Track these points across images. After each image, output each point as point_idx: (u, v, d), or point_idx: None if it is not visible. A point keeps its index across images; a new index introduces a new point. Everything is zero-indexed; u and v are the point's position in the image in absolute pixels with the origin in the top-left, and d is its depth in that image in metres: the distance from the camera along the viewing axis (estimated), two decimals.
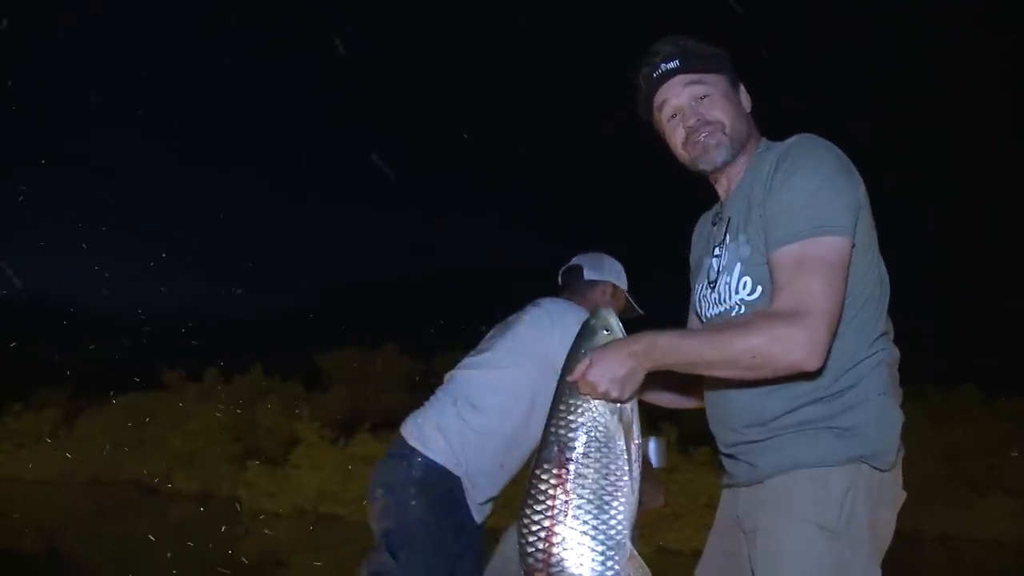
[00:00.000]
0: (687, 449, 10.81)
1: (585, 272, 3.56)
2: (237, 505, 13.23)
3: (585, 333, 2.10)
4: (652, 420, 10.88)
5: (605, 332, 2.08)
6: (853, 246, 2.01)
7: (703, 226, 2.43)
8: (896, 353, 2.21)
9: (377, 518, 3.13)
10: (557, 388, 2.05)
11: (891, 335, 2.22)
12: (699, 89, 2.16)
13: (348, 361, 20.26)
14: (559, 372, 2.10)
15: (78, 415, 16.73)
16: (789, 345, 1.91)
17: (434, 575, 3.08)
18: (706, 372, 2.04)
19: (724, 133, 2.15)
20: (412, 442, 3.17)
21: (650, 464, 3.34)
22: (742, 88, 2.23)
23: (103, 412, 16.43)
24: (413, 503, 3.11)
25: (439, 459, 3.15)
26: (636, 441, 1.99)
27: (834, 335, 1.97)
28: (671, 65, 2.16)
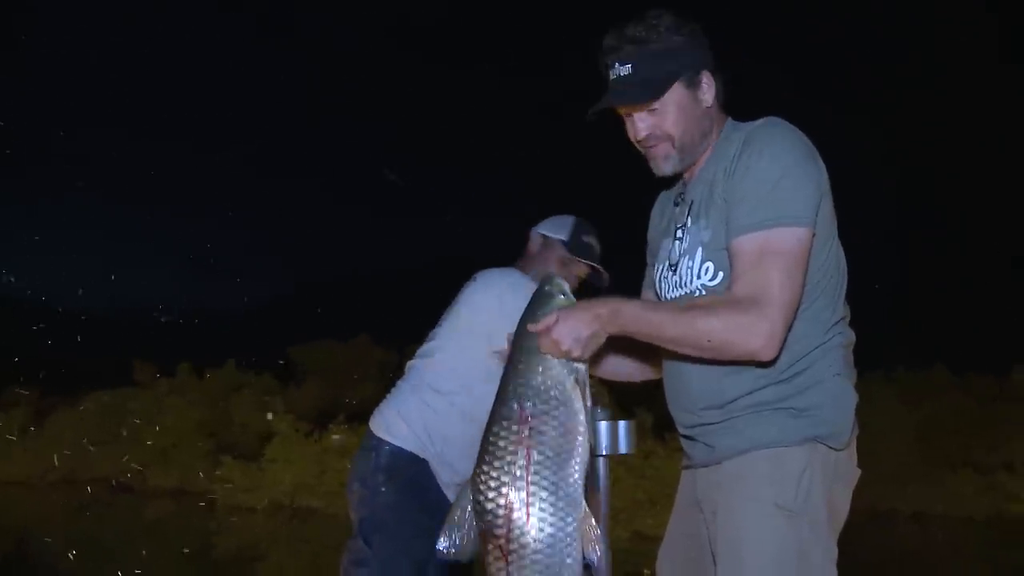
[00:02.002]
0: (662, 435, 10.86)
1: (536, 232, 3.52)
2: (212, 501, 13.16)
3: (541, 299, 2.09)
4: (627, 405, 10.91)
5: (562, 297, 2.08)
6: (814, 235, 2.04)
7: (664, 204, 2.43)
8: (851, 336, 2.25)
9: (354, 508, 3.21)
10: (515, 346, 2.02)
11: (847, 319, 2.24)
12: (651, 104, 2.15)
13: (322, 353, 20.19)
14: (509, 334, 2.09)
15: (49, 413, 16.54)
16: (747, 334, 1.96)
17: (411, 557, 3.11)
18: (665, 346, 2.07)
19: (673, 147, 2.16)
20: (379, 433, 3.24)
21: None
22: (704, 79, 2.18)
23: (74, 409, 16.27)
24: (383, 490, 3.20)
25: (406, 445, 3.23)
26: (589, 402, 1.98)
27: (791, 325, 2.01)
28: (624, 71, 2.13)
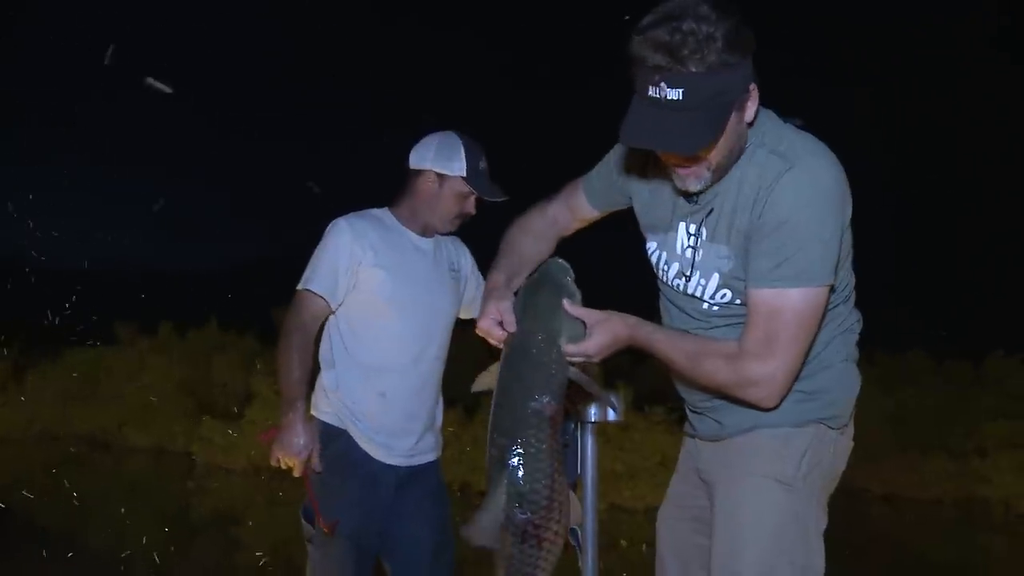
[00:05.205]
0: (642, 407, 10.93)
1: (410, 159, 3.20)
2: (191, 460, 13.18)
3: (560, 290, 2.11)
4: (607, 378, 10.93)
5: (576, 292, 2.12)
6: (833, 288, 2.07)
7: (660, 172, 2.17)
8: (860, 323, 2.31)
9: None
10: (539, 342, 2.05)
11: (853, 303, 2.29)
12: None
13: None
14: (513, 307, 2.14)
15: (28, 369, 16.46)
16: (748, 387, 2.05)
17: (352, 530, 3.10)
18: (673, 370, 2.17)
19: (708, 170, 2.02)
20: (311, 410, 3.29)
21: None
22: (751, 95, 1.97)
23: (54, 366, 16.20)
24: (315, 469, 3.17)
25: (324, 418, 3.26)
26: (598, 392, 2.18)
27: (795, 375, 2.07)
28: (672, 95, 1.83)
